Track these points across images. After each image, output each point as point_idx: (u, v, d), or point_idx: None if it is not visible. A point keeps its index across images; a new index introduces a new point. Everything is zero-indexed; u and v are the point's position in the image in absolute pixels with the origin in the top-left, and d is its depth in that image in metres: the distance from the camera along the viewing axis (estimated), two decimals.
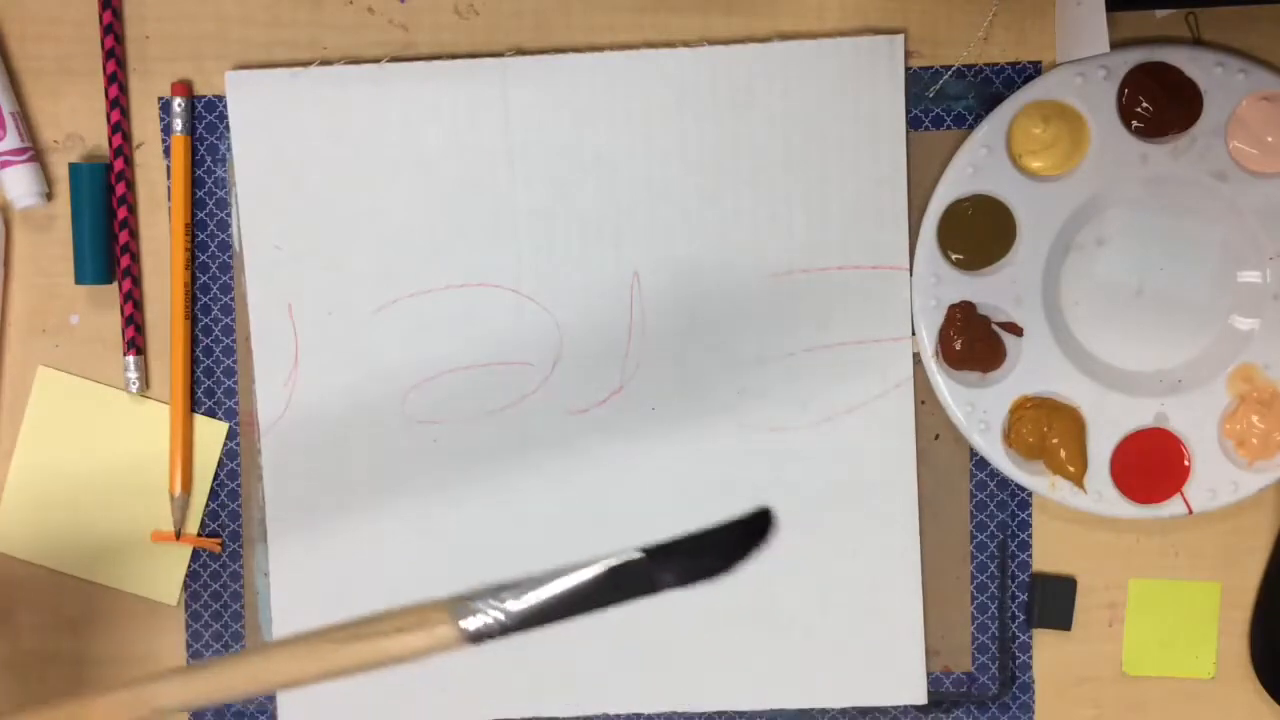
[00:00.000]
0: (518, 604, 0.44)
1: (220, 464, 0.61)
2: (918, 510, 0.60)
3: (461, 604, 0.44)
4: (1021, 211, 0.58)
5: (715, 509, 0.60)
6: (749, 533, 0.44)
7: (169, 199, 0.60)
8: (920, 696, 0.60)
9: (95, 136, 0.60)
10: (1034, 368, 0.58)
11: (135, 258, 0.60)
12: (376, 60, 0.59)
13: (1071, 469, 0.58)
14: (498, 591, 0.44)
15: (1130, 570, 0.60)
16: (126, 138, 0.60)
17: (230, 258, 0.60)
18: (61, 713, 0.47)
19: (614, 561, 0.44)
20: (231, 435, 0.61)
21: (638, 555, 0.43)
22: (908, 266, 0.59)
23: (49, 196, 0.60)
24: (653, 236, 0.59)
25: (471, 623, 0.44)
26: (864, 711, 0.61)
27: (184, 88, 0.59)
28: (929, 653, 0.60)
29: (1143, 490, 0.58)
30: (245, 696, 0.49)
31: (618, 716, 0.61)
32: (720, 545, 0.44)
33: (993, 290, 0.58)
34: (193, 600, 0.61)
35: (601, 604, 0.44)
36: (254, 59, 0.59)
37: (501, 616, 0.44)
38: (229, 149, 0.60)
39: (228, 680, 0.46)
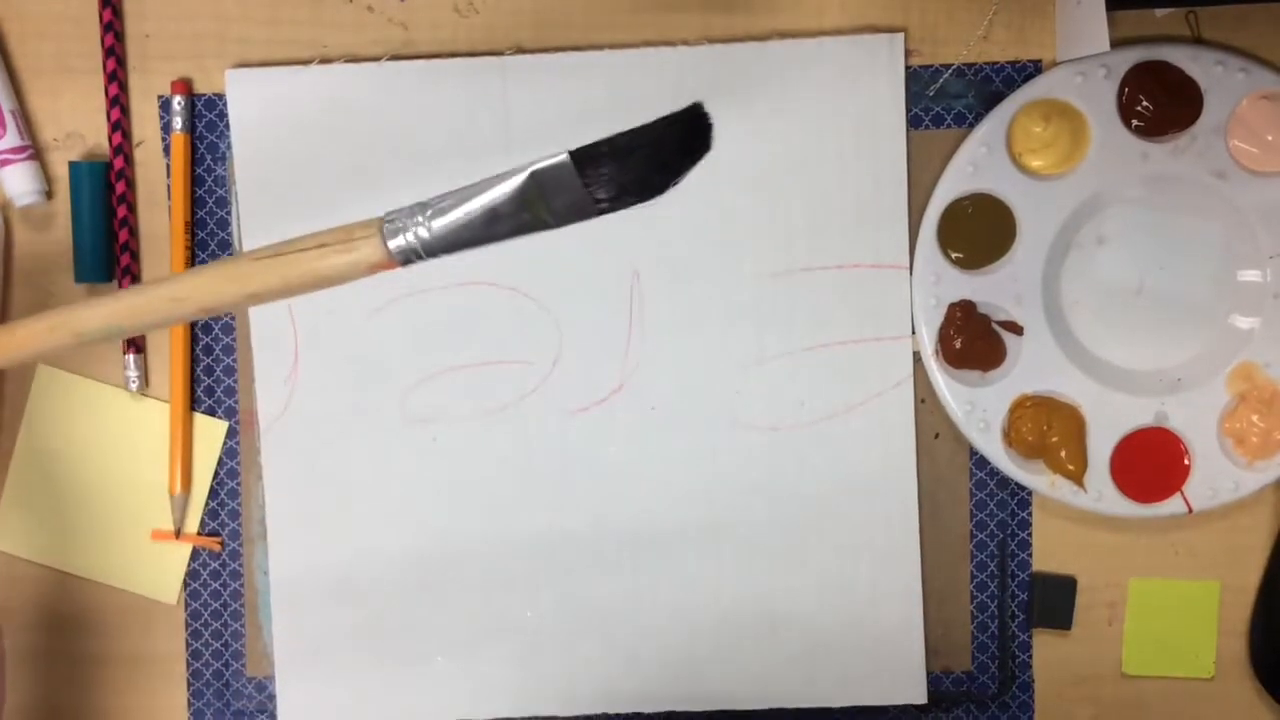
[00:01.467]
0: (443, 220, 0.42)
1: (220, 463, 0.61)
2: (918, 509, 0.60)
3: (387, 221, 0.42)
4: (1021, 210, 0.58)
5: (715, 508, 0.60)
6: (683, 133, 0.41)
7: (169, 198, 0.60)
8: (920, 696, 0.60)
9: (95, 135, 0.60)
10: (1034, 366, 0.58)
11: (135, 256, 0.60)
12: (376, 59, 0.59)
13: (1071, 468, 0.58)
14: (423, 208, 0.42)
15: (1130, 570, 0.60)
16: (126, 136, 0.60)
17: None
18: None
19: (537, 165, 0.41)
20: (231, 434, 0.61)
21: (562, 158, 0.41)
22: (908, 265, 0.59)
23: (49, 195, 0.60)
24: (653, 236, 0.59)
25: (397, 240, 0.42)
26: (864, 711, 0.61)
27: (184, 86, 0.59)
28: (929, 652, 0.60)
29: (1142, 489, 0.58)
30: (169, 321, 0.47)
31: (618, 716, 0.61)
32: (652, 147, 0.41)
33: (993, 289, 0.58)
34: (192, 599, 0.61)
35: (533, 222, 0.41)
36: (254, 58, 0.59)
37: (426, 233, 0.42)
38: (229, 147, 0.60)
39: (150, 303, 0.45)
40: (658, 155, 0.41)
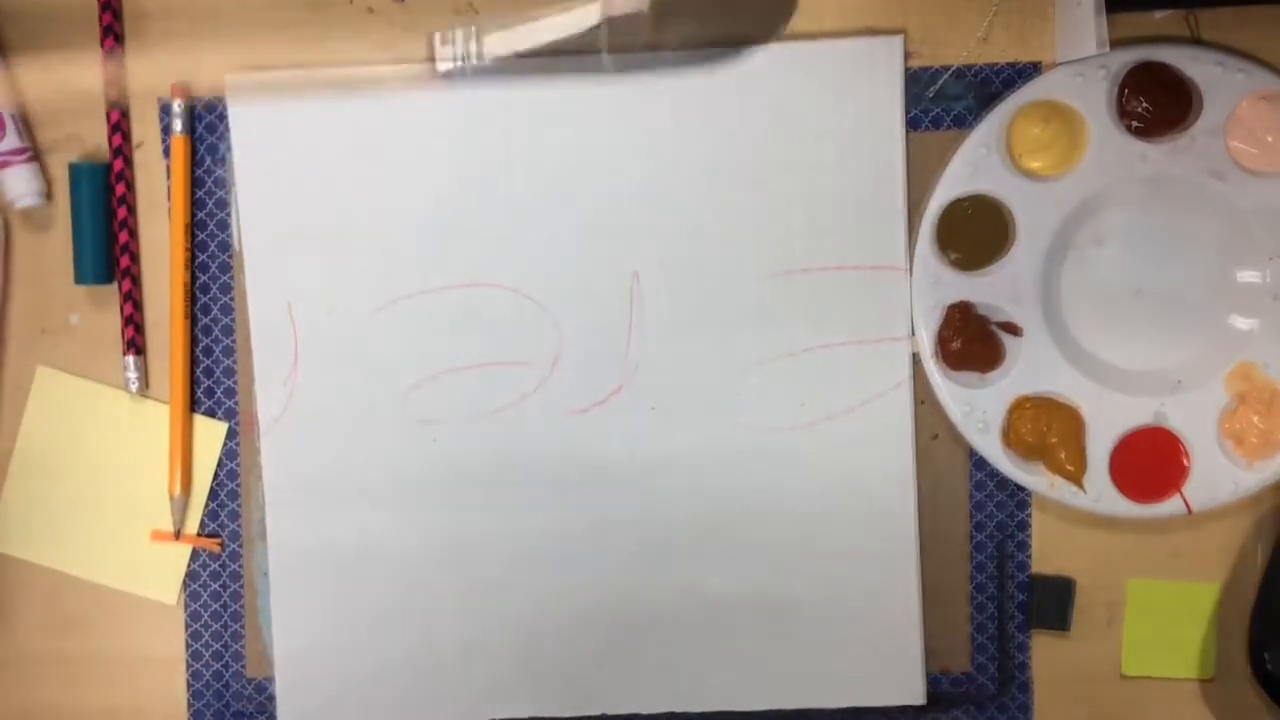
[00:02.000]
0: (498, 35, 0.42)
1: (220, 464, 0.61)
2: (917, 510, 0.60)
3: (440, 32, 0.42)
4: (1020, 211, 0.58)
5: (715, 509, 0.60)
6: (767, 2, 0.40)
7: (169, 199, 0.60)
8: (919, 696, 0.60)
9: (95, 136, 0.60)
10: (1032, 367, 0.58)
11: (135, 258, 0.60)
12: (376, 61, 0.59)
13: (1070, 468, 0.58)
14: (484, 21, 0.42)
15: (1129, 571, 0.60)
16: (126, 138, 0.60)
17: (230, 258, 0.60)
18: None
19: (612, 8, 0.41)
20: (231, 435, 0.61)
21: (640, 4, 0.41)
22: (906, 267, 0.59)
23: (49, 197, 0.60)
24: (653, 236, 0.59)
25: (446, 49, 0.42)
26: (863, 711, 0.61)
27: (183, 89, 0.59)
28: (927, 653, 0.60)
29: (1142, 490, 0.58)
30: None
31: (617, 716, 0.61)
32: (732, 5, 0.41)
33: (991, 290, 0.58)
34: (192, 600, 0.61)
35: (592, 63, 0.41)
36: (254, 59, 0.60)
37: (476, 45, 0.42)
38: (228, 149, 0.60)
39: None
40: (736, 15, 0.41)
